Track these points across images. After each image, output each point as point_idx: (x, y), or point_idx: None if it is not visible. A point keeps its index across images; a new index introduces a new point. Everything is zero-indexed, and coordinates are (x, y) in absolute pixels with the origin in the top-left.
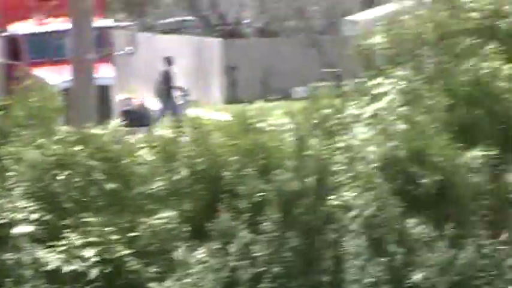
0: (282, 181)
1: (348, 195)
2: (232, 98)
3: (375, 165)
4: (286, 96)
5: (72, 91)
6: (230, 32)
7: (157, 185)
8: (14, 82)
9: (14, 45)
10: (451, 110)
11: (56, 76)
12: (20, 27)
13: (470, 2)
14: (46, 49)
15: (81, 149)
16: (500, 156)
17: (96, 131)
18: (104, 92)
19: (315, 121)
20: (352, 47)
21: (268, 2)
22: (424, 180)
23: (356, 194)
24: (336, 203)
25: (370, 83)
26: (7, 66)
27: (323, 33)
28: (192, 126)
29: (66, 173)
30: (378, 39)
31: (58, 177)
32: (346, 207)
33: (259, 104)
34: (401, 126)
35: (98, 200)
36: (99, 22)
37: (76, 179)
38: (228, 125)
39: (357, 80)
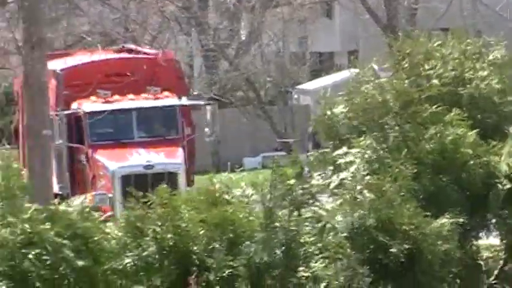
0: (251, 254)
1: (317, 266)
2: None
3: (344, 235)
4: (238, 166)
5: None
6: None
7: (127, 260)
8: (77, 166)
9: (77, 124)
10: (418, 178)
11: (118, 162)
12: (83, 105)
13: (430, 69)
14: (110, 130)
15: (50, 227)
16: (468, 222)
17: (64, 208)
18: (167, 179)
19: (281, 192)
20: (311, 116)
21: (218, 73)
22: (393, 249)
23: (325, 264)
24: (305, 274)
25: (334, 153)
26: (71, 149)
27: (273, 103)
28: (159, 201)
29: (36, 251)
30: (340, 108)
31: (28, 256)
32: (316, 278)
33: (224, 176)
34: (369, 195)
35: (68, 278)
36: (168, 101)
37: (46, 257)
38: (195, 199)
39: (320, 150)
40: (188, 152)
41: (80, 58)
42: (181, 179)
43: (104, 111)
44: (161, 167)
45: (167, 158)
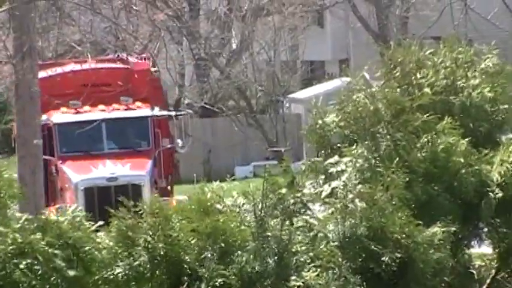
0: (243, 263)
1: (309, 275)
2: (174, 178)
3: (335, 244)
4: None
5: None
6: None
7: (118, 270)
8: (50, 178)
9: (49, 135)
10: (410, 187)
11: (81, 174)
12: (52, 116)
13: (422, 77)
14: (80, 141)
15: (41, 237)
16: (460, 231)
17: (55, 217)
18: (131, 192)
19: (272, 201)
20: (303, 125)
21: (209, 81)
22: (384, 258)
23: (317, 273)
24: (297, 283)
25: (326, 162)
26: (45, 160)
27: (264, 112)
28: (150, 210)
29: (27, 261)
30: (332, 117)
31: (19, 266)
32: None
33: (215, 185)
34: (360, 204)
35: None
36: (138, 112)
37: (37, 267)
38: (186, 208)
39: (312, 159)
40: (165, 163)
41: (55, 69)
42: (146, 191)
43: (73, 122)
44: (125, 179)
45: (132, 170)
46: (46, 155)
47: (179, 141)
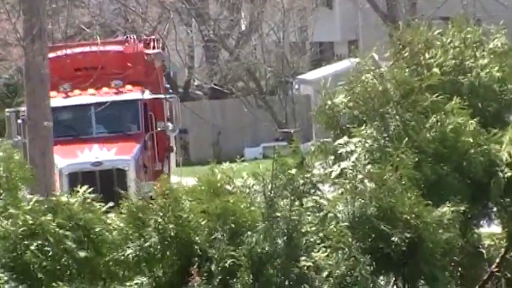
0: (253, 244)
1: (319, 255)
2: (184, 160)
3: (345, 224)
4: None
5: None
6: (180, 95)
7: (129, 251)
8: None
9: None
10: (419, 167)
11: (66, 159)
12: None
13: (431, 58)
14: (69, 125)
15: (52, 219)
16: (469, 211)
17: (66, 199)
18: (116, 176)
19: (282, 182)
20: (312, 106)
21: (218, 63)
22: (394, 238)
23: (327, 254)
24: (307, 263)
25: (335, 142)
26: None
27: (273, 93)
28: (161, 191)
29: (38, 242)
30: (341, 98)
31: (30, 247)
32: (318, 268)
33: (225, 166)
34: (369, 184)
35: (70, 269)
36: (128, 95)
37: (47, 248)
38: (197, 189)
39: (321, 139)
40: (161, 147)
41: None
42: (131, 176)
43: (62, 107)
44: (109, 164)
45: (117, 155)
46: None
47: (169, 124)
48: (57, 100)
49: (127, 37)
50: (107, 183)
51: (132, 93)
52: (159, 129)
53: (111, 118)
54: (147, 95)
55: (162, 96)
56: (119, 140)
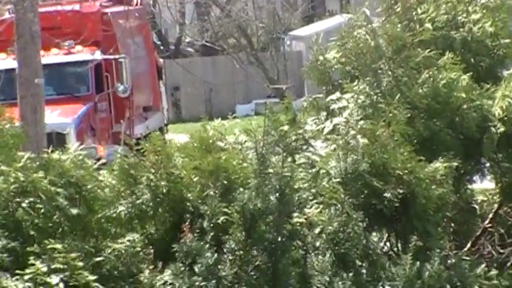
0: (245, 200)
1: (312, 211)
2: (176, 117)
3: (337, 180)
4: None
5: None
6: (171, 52)
7: (121, 208)
8: None
9: None
10: (411, 123)
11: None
12: None
13: (423, 13)
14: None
15: (43, 176)
16: (462, 167)
17: (58, 156)
18: (55, 140)
19: (274, 138)
20: (304, 62)
21: (209, 20)
22: (387, 194)
23: (319, 210)
24: (299, 220)
25: (327, 98)
26: None
27: (265, 50)
28: (153, 148)
29: (29, 200)
30: (333, 53)
31: (21, 205)
32: (310, 224)
33: (217, 123)
34: (362, 140)
35: (62, 226)
36: (76, 56)
37: (39, 206)
38: (189, 146)
39: (313, 95)
40: (119, 108)
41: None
42: (71, 139)
43: (8, 69)
44: (49, 127)
45: (59, 117)
46: None
47: (119, 84)
48: (4, 62)
49: None
50: (48, 146)
51: (81, 54)
52: (108, 91)
53: (60, 80)
54: (98, 55)
55: (111, 57)
56: (66, 102)
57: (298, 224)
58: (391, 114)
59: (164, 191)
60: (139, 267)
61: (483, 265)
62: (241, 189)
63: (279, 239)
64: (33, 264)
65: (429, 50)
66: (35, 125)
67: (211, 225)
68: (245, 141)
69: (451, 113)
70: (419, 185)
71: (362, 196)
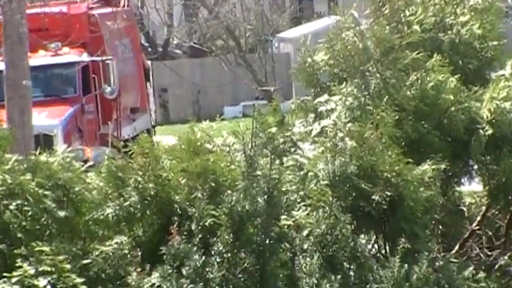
0: (233, 202)
1: (299, 214)
2: (164, 119)
3: (325, 182)
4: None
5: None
6: (159, 53)
7: (109, 211)
8: None
9: None
10: (399, 125)
11: None
12: None
13: (411, 15)
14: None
15: (31, 178)
16: (450, 169)
17: (45, 158)
18: (43, 142)
19: (262, 140)
20: (292, 64)
21: (197, 21)
22: (375, 196)
23: (307, 212)
24: (287, 222)
25: (315, 100)
26: None
27: (253, 52)
28: (140, 150)
29: (17, 202)
30: (321, 55)
31: (9, 207)
32: (298, 227)
33: (205, 125)
34: (350, 142)
35: (49, 228)
36: (63, 58)
37: (27, 208)
38: (176, 148)
39: (302, 98)
40: (107, 109)
41: None
42: (58, 140)
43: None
44: (36, 129)
45: (46, 119)
46: None
47: (106, 86)
48: None
49: None
50: (36, 148)
51: (68, 56)
52: (95, 92)
53: (47, 81)
54: (85, 57)
55: (98, 58)
56: (53, 103)
57: (286, 226)
58: (379, 117)
59: (152, 193)
60: (127, 269)
61: (471, 267)
62: (229, 191)
63: (267, 242)
64: (20, 267)
65: (417, 52)
66: (23, 127)
67: (199, 227)
68: (233, 143)
69: (439, 115)
70: (407, 187)
71: (350, 198)
